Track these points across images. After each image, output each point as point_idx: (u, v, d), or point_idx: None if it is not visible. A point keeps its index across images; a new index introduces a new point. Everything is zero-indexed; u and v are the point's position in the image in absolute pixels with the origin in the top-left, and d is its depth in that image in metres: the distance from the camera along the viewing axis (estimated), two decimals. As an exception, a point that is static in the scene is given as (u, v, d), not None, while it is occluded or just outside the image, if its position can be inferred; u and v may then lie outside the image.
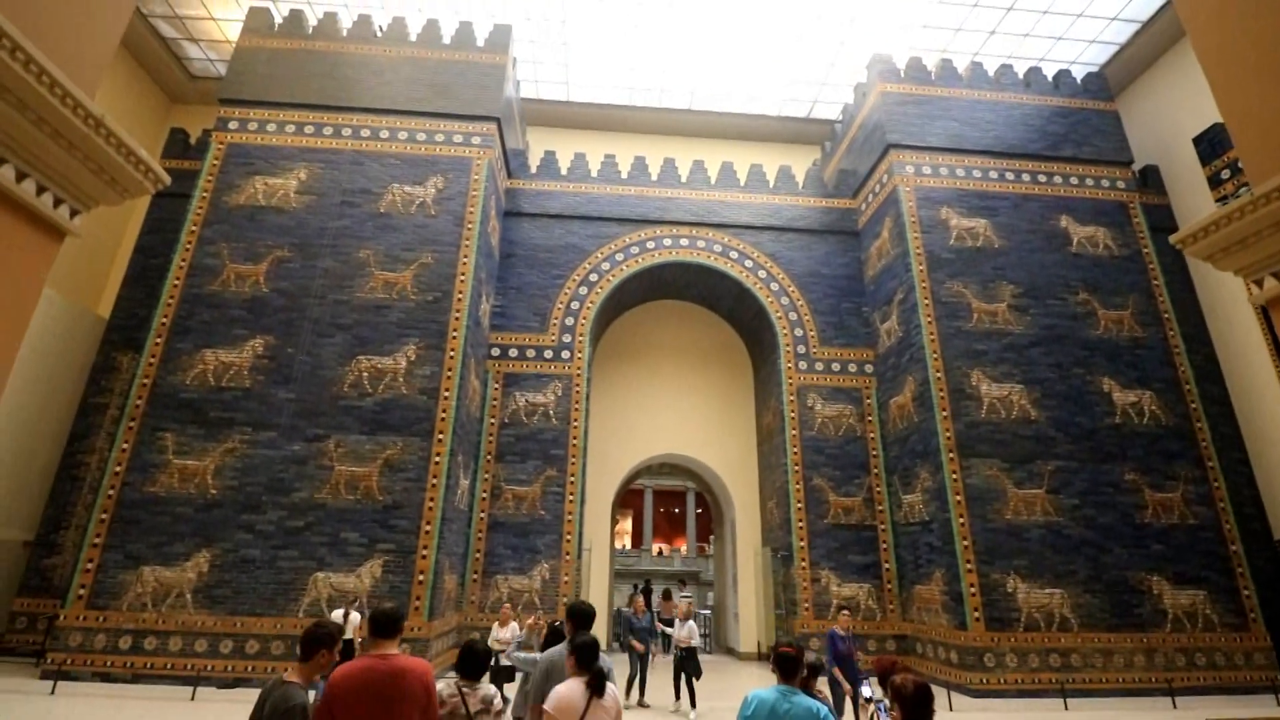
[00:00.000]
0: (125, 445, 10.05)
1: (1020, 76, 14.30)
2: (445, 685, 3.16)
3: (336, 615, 8.16)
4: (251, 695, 9.47)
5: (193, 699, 8.33)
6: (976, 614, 10.06)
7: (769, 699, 2.97)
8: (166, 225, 13.08)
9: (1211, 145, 12.61)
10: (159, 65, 16.41)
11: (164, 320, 10.79)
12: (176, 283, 11.05)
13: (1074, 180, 13.31)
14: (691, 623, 9.02)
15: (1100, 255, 12.67)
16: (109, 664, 9.06)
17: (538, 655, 4.11)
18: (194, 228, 11.43)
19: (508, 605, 9.30)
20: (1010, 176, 13.20)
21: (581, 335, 13.29)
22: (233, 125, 12.31)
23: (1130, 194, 13.32)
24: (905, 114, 13.54)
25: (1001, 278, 12.30)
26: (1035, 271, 12.41)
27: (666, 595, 13.86)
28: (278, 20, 13.57)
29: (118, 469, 9.93)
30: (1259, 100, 3.12)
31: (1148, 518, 10.90)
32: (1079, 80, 14.38)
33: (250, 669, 9.17)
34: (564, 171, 14.80)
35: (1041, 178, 13.27)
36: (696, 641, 8.87)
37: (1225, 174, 12.36)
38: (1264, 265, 3.06)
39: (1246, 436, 12.46)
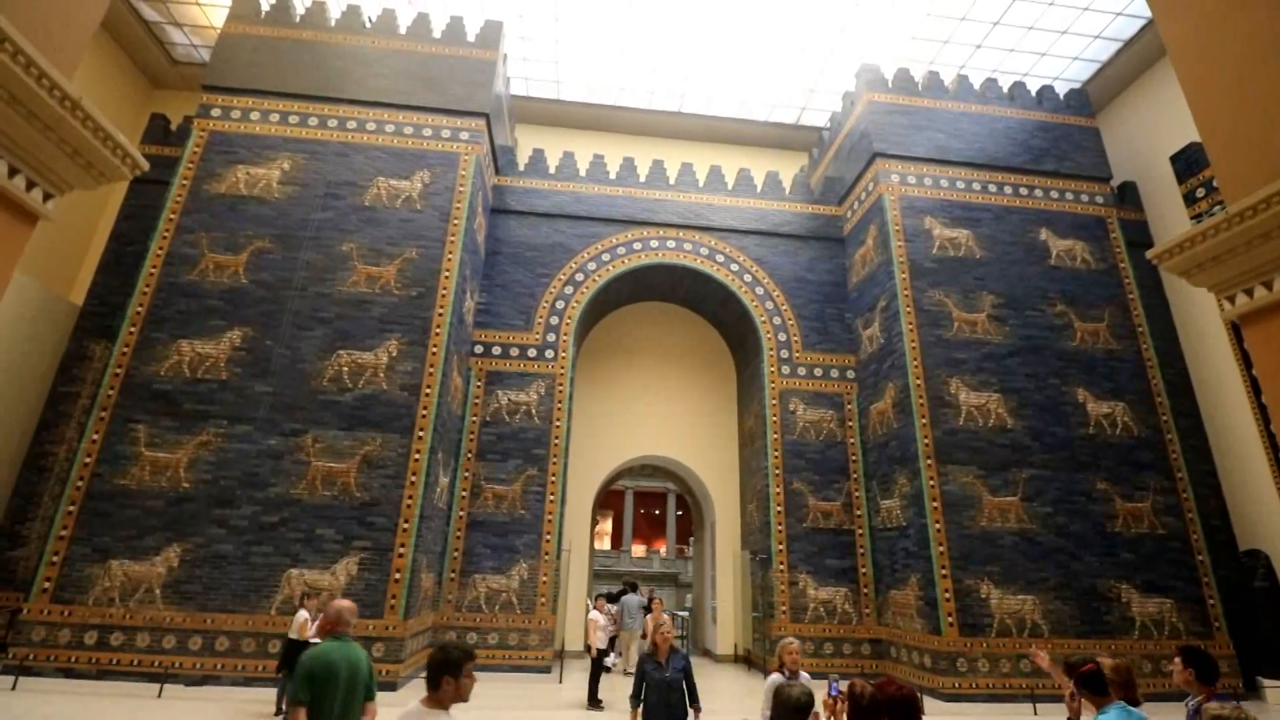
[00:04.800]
0: (95, 436, 9.82)
1: (1005, 90, 14.53)
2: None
3: (302, 615, 7.63)
4: (221, 693, 9.25)
5: (159, 696, 8.16)
6: (950, 619, 10.19)
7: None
8: (144, 212, 12.83)
9: (1188, 163, 12.91)
10: (140, 48, 16.09)
11: (139, 309, 10.57)
12: (153, 271, 10.83)
13: (1054, 194, 13.55)
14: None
15: (1078, 268, 12.90)
16: (73, 659, 8.84)
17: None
18: (173, 215, 11.22)
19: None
20: (993, 188, 13.40)
21: (566, 335, 13.25)
22: (215, 112, 12.10)
23: (1108, 209, 13.59)
24: (892, 124, 13.69)
25: (982, 288, 12.48)
26: (1015, 282, 12.61)
27: (611, 599, 13.82)
28: (264, 7, 13.37)
29: (87, 460, 9.70)
30: (1236, 120, 3.20)
31: (1118, 527, 11.12)
32: (1061, 96, 14.64)
33: (220, 666, 9.01)
34: (552, 170, 14.74)
35: (1023, 190, 13.49)
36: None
37: (1200, 192, 12.65)
38: (1236, 281, 3.13)
39: (1215, 449, 12.76)
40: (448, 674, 2.81)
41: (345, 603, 3.73)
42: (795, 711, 2.64)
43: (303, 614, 7.64)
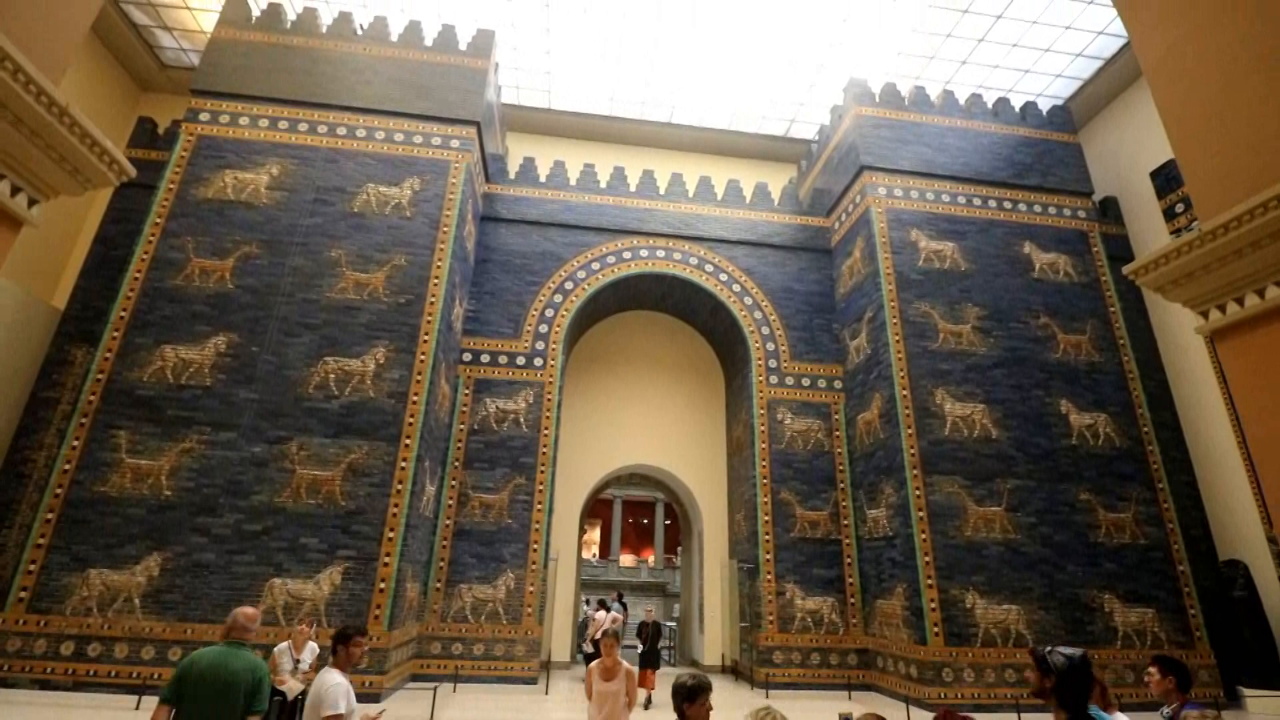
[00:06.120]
0: (76, 442, 9.68)
1: (989, 106, 14.77)
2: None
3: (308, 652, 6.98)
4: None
5: (137, 708, 8.01)
6: (936, 629, 10.23)
7: None
8: (130, 216, 12.71)
9: (1167, 179, 13.18)
10: (129, 52, 15.99)
11: (122, 314, 10.46)
12: (137, 275, 10.73)
13: (1037, 208, 13.77)
14: None
15: (1061, 281, 13.10)
16: (49, 670, 8.67)
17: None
18: (158, 220, 11.12)
19: (303, 626, 7.54)
20: (977, 202, 13.60)
21: (555, 343, 13.24)
22: (204, 117, 12.04)
23: (1090, 223, 13.82)
24: (879, 137, 13.86)
25: (967, 300, 12.64)
26: (999, 295, 12.78)
27: (603, 605, 13.79)
28: (255, 13, 13.36)
29: (67, 467, 9.55)
30: (1209, 139, 3.28)
31: (1100, 537, 11.24)
32: (1044, 112, 14.91)
33: (200, 677, 8.84)
34: (543, 179, 14.79)
35: (1007, 204, 13.69)
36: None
37: (1180, 207, 12.92)
38: (1210, 297, 3.20)
39: (1195, 460, 12.96)
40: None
41: (245, 609, 3.59)
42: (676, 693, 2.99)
43: (278, 648, 6.85)
